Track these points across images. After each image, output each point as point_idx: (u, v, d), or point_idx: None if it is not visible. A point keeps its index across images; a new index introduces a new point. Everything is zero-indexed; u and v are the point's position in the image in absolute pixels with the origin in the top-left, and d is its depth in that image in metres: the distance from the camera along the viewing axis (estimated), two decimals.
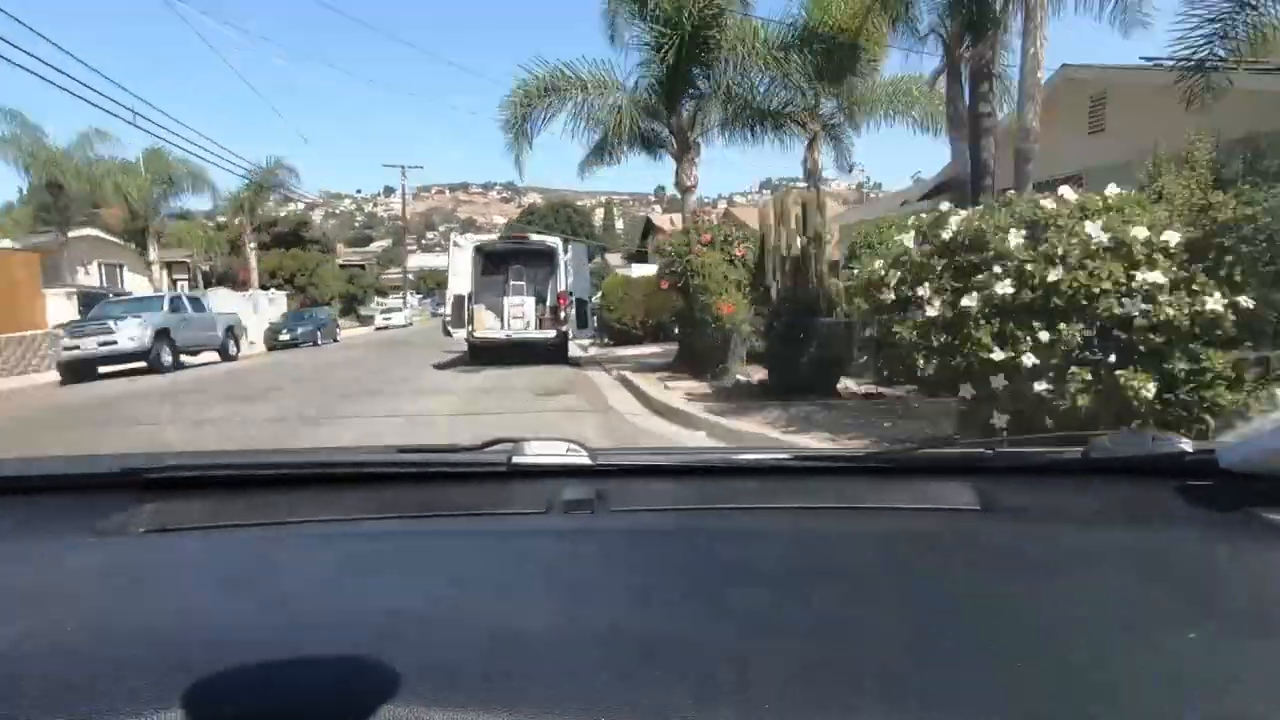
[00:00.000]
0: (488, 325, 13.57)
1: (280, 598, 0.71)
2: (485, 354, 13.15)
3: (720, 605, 0.65)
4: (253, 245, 30.38)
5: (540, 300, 14.33)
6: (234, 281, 31.71)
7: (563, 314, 13.01)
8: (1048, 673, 0.51)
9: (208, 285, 29.76)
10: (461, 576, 0.74)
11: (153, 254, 22.90)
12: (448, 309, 12.56)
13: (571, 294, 13.04)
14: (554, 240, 13.51)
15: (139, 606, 0.69)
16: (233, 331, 17.49)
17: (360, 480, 1.04)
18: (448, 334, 12.44)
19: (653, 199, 60.11)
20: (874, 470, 1.03)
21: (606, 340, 18.02)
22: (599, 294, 17.04)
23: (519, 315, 13.90)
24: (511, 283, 13.99)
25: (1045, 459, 1.03)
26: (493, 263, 14.62)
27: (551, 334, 13.11)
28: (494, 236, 14.39)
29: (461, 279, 12.78)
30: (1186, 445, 0.88)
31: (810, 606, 0.65)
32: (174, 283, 28.09)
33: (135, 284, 23.73)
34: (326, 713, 0.50)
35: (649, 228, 41.20)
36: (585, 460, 1.01)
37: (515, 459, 1.00)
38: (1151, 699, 0.48)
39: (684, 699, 0.48)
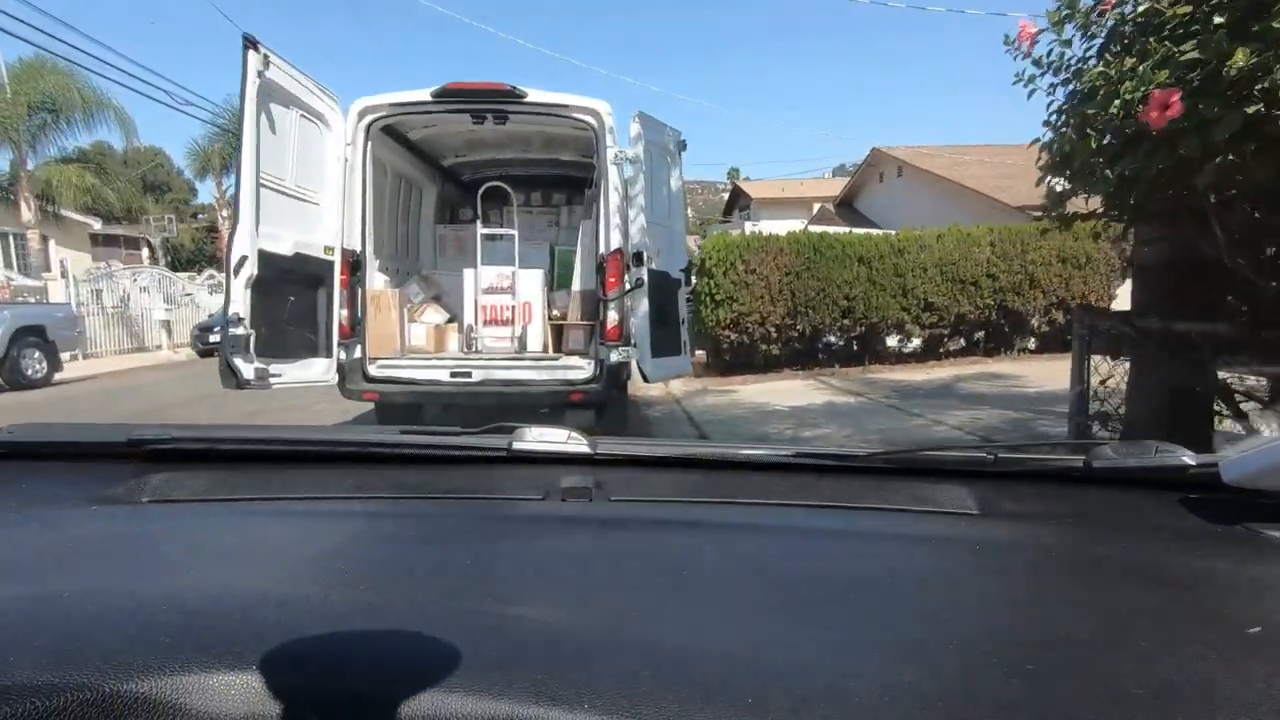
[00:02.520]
0: (413, 342, 5.14)
1: (279, 572, 0.68)
2: (405, 421, 4.85)
3: (714, 599, 0.63)
4: (225, 214, 23.16)
5: (558, 276, 5.80)
6: (208, 259, 24.54)
7: (612, 312, 4.44)
8: (1037, 680, 0.49)
9: (175, 265, 22.82)
10: (458, 559, 0.72)
11: (25, 213, 15.59)
12: (234, 300, 3.75)
13: (643, 256, 4.44)
14: (591, 107, 4.73)
15: (140, 575, 0.67)
16: (39, 337, 9.83)
17: (363, 460, 1.04)
18: (235, 378, 3.76)
19: (722, 187, 52.12)
20: (874, 470, 1.00)
21: (704, 358, 9.32)
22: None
23: (501, 317, 5.33)
24: (482, 232, 5.42)
25: (1046, 466, 0.98)
26: (426, 173, 6.18)
27: (580, 370, 4.58)
28: (425, 94, 4.56)
29: (311, 207, 4.24)
30: (1189, 458, 0.85)
31: (804, 603, 0.62)
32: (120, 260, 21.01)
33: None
34: (319, 688, 0.48)
35: (736, 194, 32.37)
36: (585, 449, 1.01)
37: (516, 445, 1.00)
38: (1141, 712, 0.46)
39: (677, 692, 0.46)
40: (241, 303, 3.73)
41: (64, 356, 12.42)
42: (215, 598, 0.59)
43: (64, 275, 14.35)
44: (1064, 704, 0.46)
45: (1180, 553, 0.73)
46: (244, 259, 3.71)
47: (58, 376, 10.11)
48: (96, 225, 21.82)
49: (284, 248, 4.02)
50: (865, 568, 0.72)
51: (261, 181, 3.87)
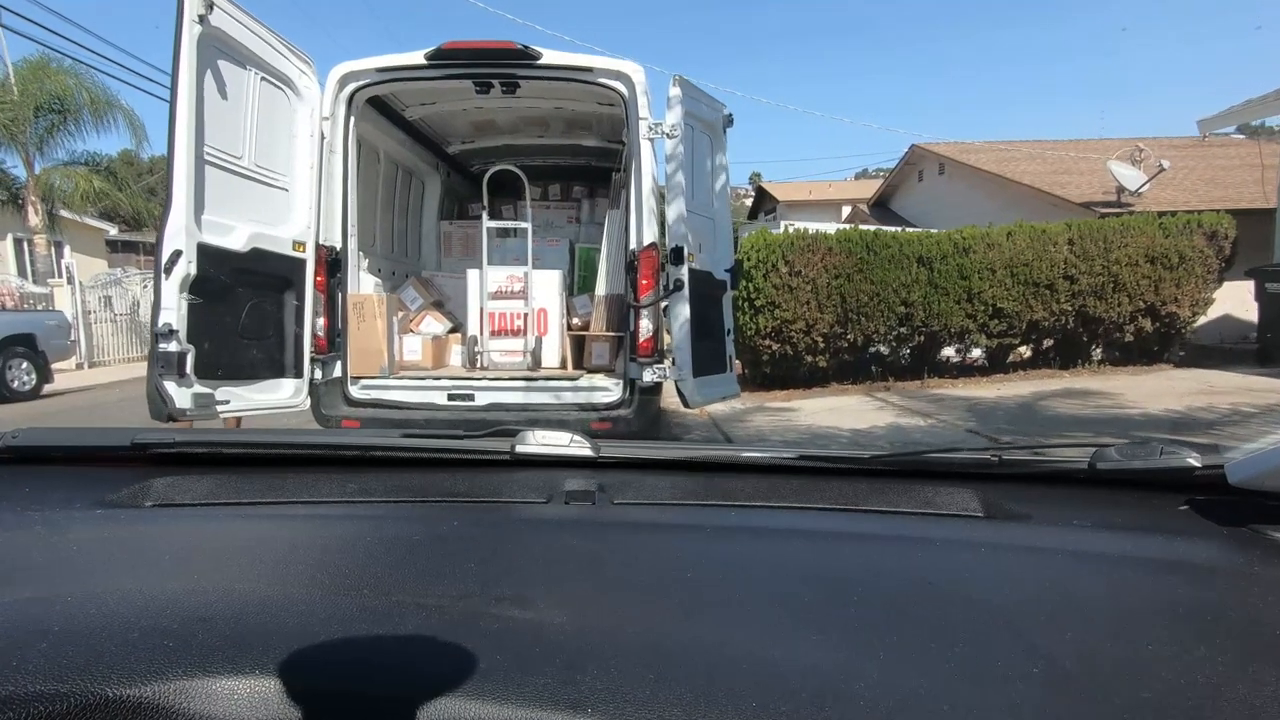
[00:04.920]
0: (406, 356, 4.32)
1: (283, 576, 0.68)
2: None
3: (718, 602, 0.63)
4: None
5: (580, 279, 4.94)
6: None
7: (644, 321, 3.56)
8: (1041, 683, 0.49)
9: None
10: (463, 563, 0.71)
11: (32, 218, 15.13)
12: (165, 307, 2.98)
13: (682, 253, 3.56)
14: (620, 70, 3.88)
15: (144, 579, 0.66)
16: (28, 346, 9.21)
17: (366, 463, 1.04)
18: (164, 407, 3.04)
19: (744, 191, 50.73)
20: (877, 473, 1.00)
21: (739, 371, 8.38)
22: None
23: (510, 327, 4.49)
24: (489, 225, 4.51)
25: (1050, 468, 0.97)
26: (428, 161, 5.36)
27: (606, 391, 3.72)
28: (418, 57, 3.65)
29: (276, 192, 3.42)
30: (1195, 459, 0.84)
31: (808, 607, 0.62)
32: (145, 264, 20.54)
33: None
34: (324, 692, 0.48)
35: (761, 197, 31.36)
36: (588, 452, 1.01)
37: (519, 448, 1.01)
38: (1147, 715, 0.46)
39: (681, 695, 0.46)
40: (174, 311, 2.91)
41: (69, 364, 11.92)
42: (219, 602, 0.59)
43: (69, 281, 13.85)
44: (1070, 708, 0.46)
45: (1186, 554, 0.73)
46: (177, 254, 2.89)
47: (48, 388, 9.49)
48: (113, 231, 21.49)
49: (236, 241, 3.20)
50: (869, 570, 0.71)
51: (206, 157, 3.05)
